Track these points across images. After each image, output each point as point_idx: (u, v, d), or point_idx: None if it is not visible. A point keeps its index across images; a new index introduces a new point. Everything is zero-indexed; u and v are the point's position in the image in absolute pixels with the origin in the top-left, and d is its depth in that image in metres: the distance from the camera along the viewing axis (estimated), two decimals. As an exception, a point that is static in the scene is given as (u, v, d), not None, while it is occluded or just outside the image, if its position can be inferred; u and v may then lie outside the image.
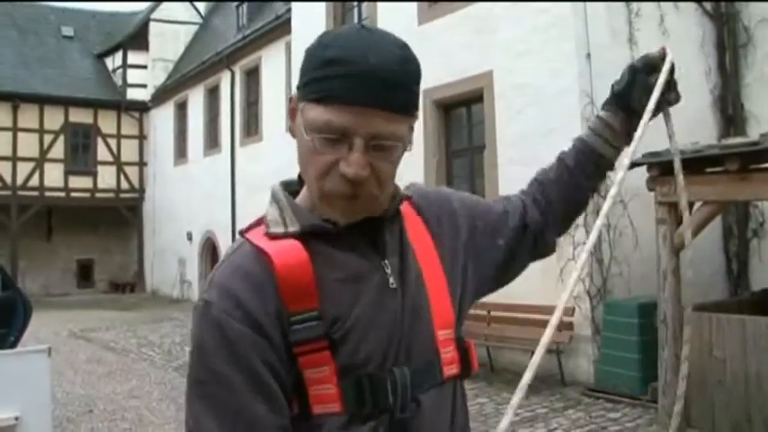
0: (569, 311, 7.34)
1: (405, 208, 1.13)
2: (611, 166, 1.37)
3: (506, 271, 1.26)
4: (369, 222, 1.04)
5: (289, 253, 0.98)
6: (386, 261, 1.04)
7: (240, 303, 0.95)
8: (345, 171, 0.94)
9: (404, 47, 0.98)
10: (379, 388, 0.98)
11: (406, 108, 0.97)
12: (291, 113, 1.03)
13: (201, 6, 24.59)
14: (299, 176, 1.08)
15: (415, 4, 9.81)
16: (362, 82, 0.92)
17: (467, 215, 1.21)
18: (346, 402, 0.96)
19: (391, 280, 1.03)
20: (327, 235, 1.01)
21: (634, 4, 8.14)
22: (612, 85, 1.33)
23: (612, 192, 1.12)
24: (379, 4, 10.69)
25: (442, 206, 1.20)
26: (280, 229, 1.02)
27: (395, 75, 0.94)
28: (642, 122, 1.20)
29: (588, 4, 7.72)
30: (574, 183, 1.33)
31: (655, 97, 1.24)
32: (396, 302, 1.02)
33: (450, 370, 1.07)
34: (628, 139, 1.32)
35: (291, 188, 1.10)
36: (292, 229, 1.01)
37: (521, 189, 1.36)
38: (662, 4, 8.46)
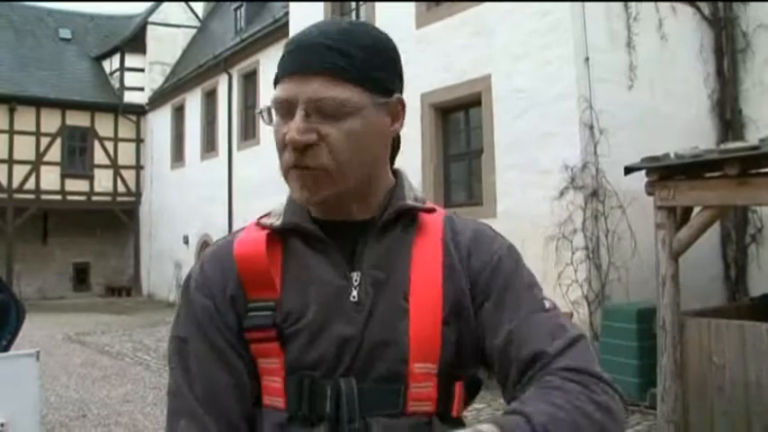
0: (567, 317, 7.30)
1: (431, 221, 1.05)
2: None
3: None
4: (356, 226, 1.03)
5: (250, 244, 1.03)
6: (354, 273, 1.00)
7: (207, 280, 1.04)
8: (286, 137, 0.96)
9: (359, 25, 1.01)
10: (318, 393, 0.96)
11: (351, 73, 0.95)
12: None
13: (199, 10, 24.58)
14: None
15: (413, 7, 9.79)
16: (301, 51, 0.96)
17: (495, 281, 1.02)
18: (288, 399, 0.98)
19: (354, 293, 0.99)
20: (306, 234, 1.03)
21: (632, 9, 8.13)
22: None
23: None
24: (377, 6, 10.67)
25: (483, 254, 1.03)
26: (269, 221, 1.06)
27: (332, 41, 0.95)
28: None
29: (587, 8, 7.70)
30: None
31: None
32: (357, 318, 0.98)
33: (419, 406, 0.97)
34: None
35: None
36: (276, 223, 1.05)
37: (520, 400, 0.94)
38: (660, 9, 8.45)
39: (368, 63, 0.97)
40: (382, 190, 1.06)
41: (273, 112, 0.99)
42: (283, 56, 0.99)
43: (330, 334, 0.97)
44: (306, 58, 0.95)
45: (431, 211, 1.07)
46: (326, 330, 0.97)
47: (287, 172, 1.00)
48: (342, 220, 1.04)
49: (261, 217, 1.10)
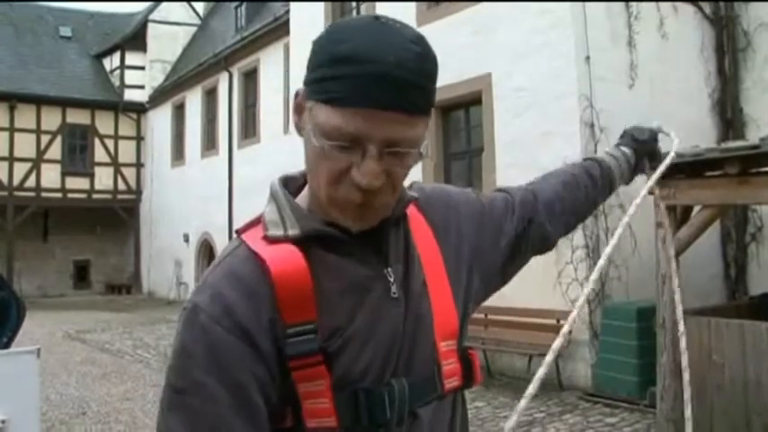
0: (567, 315, 7.30)
1: (410, 209, 1.06)
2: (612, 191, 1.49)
3: (511, 264, 1.21)
4: (373, 226, 0.98)
5: (287, 260, 0.91)
6: (389, 269, 0.98)
7: (230, 311, 0.88)
8: (358, 181, 0.88)
9: (420, 41, 0.90)
10: (376, 402, 0.92)
11: (424, 109, 0.90)
12: (298, 109, 0.95)
13: (200, 8, 24.57)
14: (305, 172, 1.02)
15: (413, 5, 9.78)
16: (376, 83, 0.84)
17: (471, 214, 1.16)
18: (341, 417, 0.90)
19: (393, 289, 0.97)
20: (328, 240, 0.95)
21: (633, 8, 8.12)
22: (632, 134, 1.57)
23: (624, 221, 1.36)
24: (377, 5, 10.67)
25: (448, 206, 1.14)
26: (279, 232, 0.95)
27: (411, 74, 0.86)
28: (659, 170, 1.52)
29: (588, 6, 7.69)
30: (589, 200, 1.39)
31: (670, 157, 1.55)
32: (398, 312, 0.97)
33: (452, 382, 1.02)
34: (632, 175, 1.52)
35: (293, 184, 1.04)
36: (292, 232, 0.95)
37: (529, 183, 1.34)
38: (662, 8, 8.44)
39: (434, 93, 0.93)
40: None
41: (320, 132, 0.88)
42: (342, 77, 0.85)
43: (378, 338, 0.94)
44: (382, 94, 0.85)
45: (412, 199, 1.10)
46: (374, 335, 0.94)
47: (340, 203, 0.92)
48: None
49: (244, 230, 1.00)
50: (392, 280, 0.98)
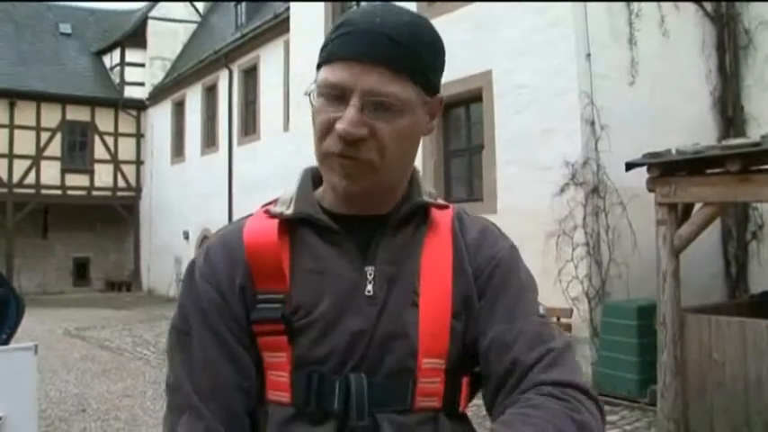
0: (567, 313, 7.31)
1: (442, 217, 1.05)
2: None
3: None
4: (370, 221, 1.01)
5: (261, 233, 1.00)
6: (369, 267, 0.99)
7: (214, 270, 1.00)
8: (338, 129, 0.92)
9: (418, 17, 0.96)
10: (326, 388, 0.95)
11: (411, 70, 0.93)
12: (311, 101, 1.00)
13: (200, 5, 24.52)
14: None
15: (414, 3, 9.77)
16: (361, 37, 0.92)
17: (497, 288, 1.02)
18: (294, 395, 0.96)
19: (369, 287, 0.98)
20: (318, 225, 1.01)
21: (634, 5, 8.10)
22: None
23: None
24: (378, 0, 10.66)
25: (487, 252, 1.04)
26: (279, 210, 1.03)
27: (395, 32, 0.92)
28: None
29: (588, 4, 7.68)
30: None
31: None
32: (370, 312, 0.97)
33: (427, 401, 0.97)
34: None
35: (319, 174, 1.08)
36: (287, 212, 1.02)
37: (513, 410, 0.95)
38: (662, 5, 8.42)
39: (427, 63, 0.96)
40: (404, 186, 1.06)
41: (317, 92, 0.95)
42: (337, 35, 0.94)
43: (342, 328, 0.96)
44: (367, 46, 0.91)
45: (442, 207, 1.07)
46: (339, 324, 0.96)
47: (327, 157, 0.96)
48: (356, 213, 1.02)
49: (266, 204, 1.07)
50: (370, 278, 0.98)
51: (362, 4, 0.96)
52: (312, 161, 1.08)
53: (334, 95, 0.93)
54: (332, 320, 0.96)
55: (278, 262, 0.98)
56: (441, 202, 1.08)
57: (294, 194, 1.04)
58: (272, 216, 1.02)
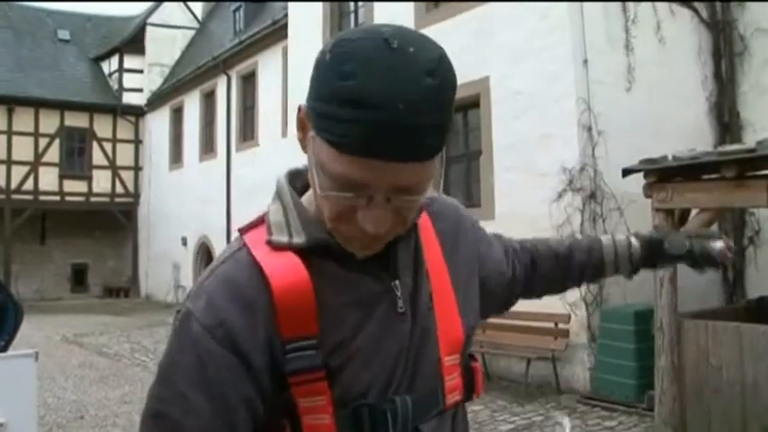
0: (565, 318, 7.32)
1: (421, 218, 1.02)
2: (601, 278, 1.38)
3: (491, 302, 1.20)
4: None
5: (290, 274, 0.87)
6: (396, 282, 0.95)
7: (224, 322, 0.84)
8: (364, 226, 0.83)
9: (438, 68, 0.79)
10: (379, 420, 0.89)
11: (439, 148, 0.82)
12: (299, 124, 0.88)
13: (198, 11, 24.58)
14: None
15: (412, 9, 9.81)
16: (385, 132, 0.76)
17: (477, 240, 1.16)
18: None
19: (400, 303, 0.94)
20: (335, 252, 0.90)
21: (631, 12, 8.14)
22: (662, 241, 1.34)
23: None
24: (376, 7, 10.68)
25: (459, 224, 1.12)
26: (283, 239, 0.90)
27: (425, 118, 0.77)
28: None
29: (585, 10, 7.71)
30: (567, 275, 1.33)
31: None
32: (404, 327, 0.94)
33: (454, 397, 1.00)
34: (633, 272, 1.35)
35: (301, 181, 0.99)
36: (297, 240, 0.90)
37: (520, 241, 1.33)
38: (659, 11, 8.46)
39: (451, 119, 0.84)
40: None
41: (325, 177, 0.82)
42: (349, 120, 0.77)
43: (383, 354, 0.91)
44: (392, 144, 0.77)
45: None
46: (379, 351, 0.91)
47: (348, 238, 0.88)
48: None
49: (247, 229, 0.95)
50: (399, 294, 0.94)
51: (369, 41, 0.83)
52: None
53: (353, 187, 0.81)
54: (372, 349, 0.90)
55: (310, 305, 0.86)
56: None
57: (293, 217, 0.93)
58: (278, 247, 0.90)
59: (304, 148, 0.88)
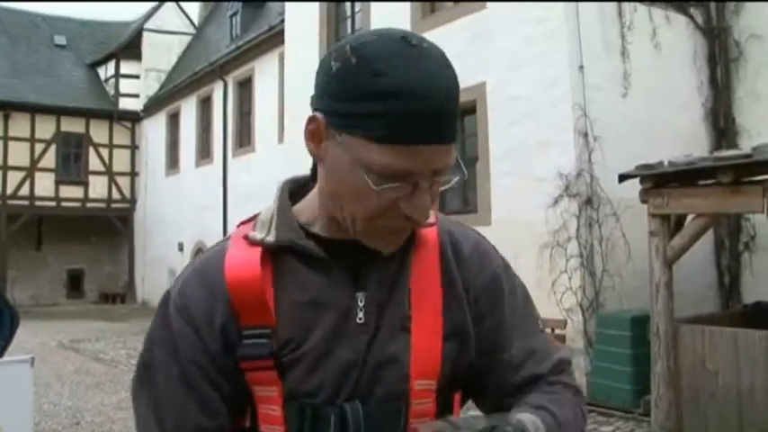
0: (561, 324, 7.32)
1: (428, 234, 1.02)
2: None
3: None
4: (359, 243, 0.94)
5: (243, 266, 0.95)
6: (360, 293, 0.96)
7: (189, 305, 0.96)
8: (409, 213, 0.88)
9: (448, 62, 0.88)
10: (321, 421, 0.93)
11: (457, 131, 0.90)
12: (314, 136, 0.90)
13: (195, 17, 24.61)
14: (313, 171, 1.00)
15: (408, 14, 9.83)
16: (425, 120, 0.83)
17: (511, 312, 1.04)
18: (288, 428, 0.93)
19: (360, 315, 0.95)
20: (303, 252, 0.96)
21: (626, 18, 8.18)
22: None
23: None
24: (372, 13, 10.71)
25: (484, 273, 1.04)
26: (260, 235, 0.97)
27: (454, 104, 0.86)
28: None
29: (581, 16, 7.74)
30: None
31: None
32: (362, 339, 0.95)
33: (420, 422, 0.95)
34: None
35: (301, 187, 1.04)
36: (269, 238, 0.97)
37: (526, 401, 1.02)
38: (654, 18, 8.50)
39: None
40: None
41: (370, 172, 0.85)
42: (388, 114, 0.82)
43: (334, 359, 0.93)
44: (431, 130, 0.84)
45: (427, 224, 1.03)
46: (330, 355, 0.93)
47: (379, 229, 0.91)
48: (343, 237, 0.96)
49: (242, 223, 1.03)
50: (361, 305, 0.95)
51: (387, 41, 0.86)
52: (306, 171, 1.05)
53: (399, 177, 0.85)
54: (322, 352, 0.93)
55: (263, 297, 0.93)
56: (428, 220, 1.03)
57: (274, 216, 0.99)
58: (252, 243, 0.97)
59: (319, 158, 0.92)
